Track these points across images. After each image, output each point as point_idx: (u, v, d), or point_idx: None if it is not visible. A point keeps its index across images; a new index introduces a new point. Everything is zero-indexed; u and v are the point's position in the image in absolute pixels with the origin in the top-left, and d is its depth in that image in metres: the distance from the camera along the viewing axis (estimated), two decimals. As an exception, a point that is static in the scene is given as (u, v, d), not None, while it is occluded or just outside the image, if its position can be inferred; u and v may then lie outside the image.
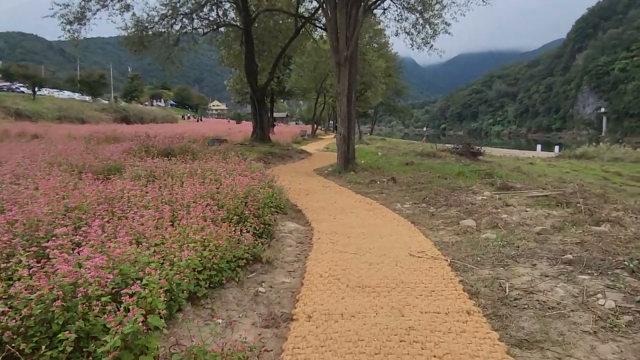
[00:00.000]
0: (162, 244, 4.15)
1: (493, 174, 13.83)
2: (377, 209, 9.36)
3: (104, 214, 4.94)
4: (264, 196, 6.60)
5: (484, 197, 10.10)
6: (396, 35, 20.69)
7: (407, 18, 19.93)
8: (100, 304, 2.93)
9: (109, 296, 3.03)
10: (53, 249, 3.46)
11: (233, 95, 52.41)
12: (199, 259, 4.18)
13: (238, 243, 5.03)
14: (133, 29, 21.92)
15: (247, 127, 28.62)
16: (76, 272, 3.15)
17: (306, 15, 24.56)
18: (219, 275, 4.54)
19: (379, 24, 32.09)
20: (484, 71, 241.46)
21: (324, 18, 17.88)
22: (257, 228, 6.12)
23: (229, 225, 5.22)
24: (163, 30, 22.76)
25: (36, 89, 56.55)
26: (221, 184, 6.81)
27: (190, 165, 9.51)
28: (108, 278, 3.19)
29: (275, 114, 68.28)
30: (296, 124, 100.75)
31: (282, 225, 7.77)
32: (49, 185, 5.82)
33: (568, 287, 4.62)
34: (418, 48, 20.06)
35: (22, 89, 59.63)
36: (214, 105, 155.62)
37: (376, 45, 39.66)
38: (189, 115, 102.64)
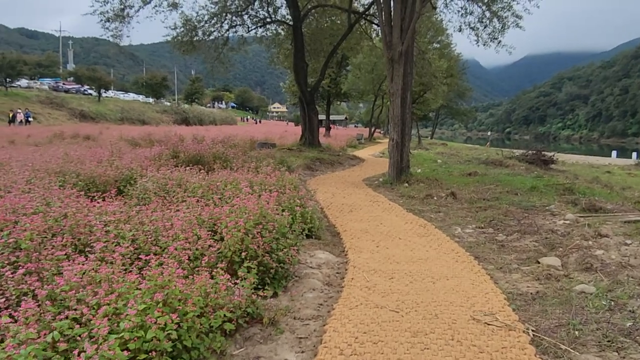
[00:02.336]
0: (86, 318, 2.72)
1: (574, 189, 11.65)
2: (431, 234, 7.65)
3: (45, 254, 3.63)
4: (279, 225, 5.08)
5: (567, 222, 8.17)
6: (459, 30, 18.70)
7: (471, 12, 17.98)
8: None
9: None
10: None
11: (289, 97, 51.60)
12: (139, 345, 2.71)
13: (225, 299, 3.55)
14: (182, 29, 21.19)
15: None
16: None
17: (360, 11, 22.91)
18: (186, 357, 3.07)
19: (441, 22, 30.01)
20: (552, 73, 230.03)
21: (377, 9, 16.21)
22: (268, 270, 4.66)
23: (228, 273, 3.79)
24: (212, 29, 21.91)
25: (102, 91, 58.30)
26: (233, 205, 5.37)
27: (214, 176, 8.22)
28: None
29: (333, 117, 66.94)
30: (355, 126, 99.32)
31: (311, 255, 6.28)
32: (4, 206, 4.59)
33: None
34: (484, 44, 18.01)
35: (89, 91, 61.75)
36: (274, 108, 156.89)
37: (437, 45, 37.32)
38: (248, 117, 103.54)
